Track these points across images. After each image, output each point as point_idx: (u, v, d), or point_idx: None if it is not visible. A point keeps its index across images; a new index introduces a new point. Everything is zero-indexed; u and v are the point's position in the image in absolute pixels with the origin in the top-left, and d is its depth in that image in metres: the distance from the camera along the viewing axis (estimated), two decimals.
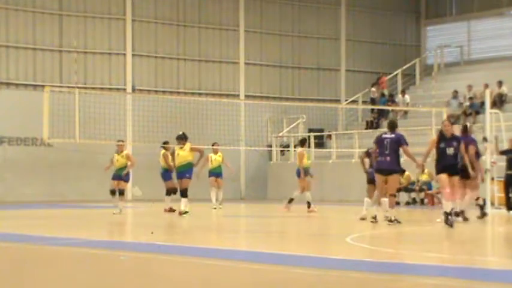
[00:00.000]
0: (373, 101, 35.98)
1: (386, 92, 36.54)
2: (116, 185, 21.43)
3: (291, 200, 22.32)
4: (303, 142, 23.44)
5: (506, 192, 21.27)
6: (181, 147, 20.33)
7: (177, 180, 20.87)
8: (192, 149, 20.52)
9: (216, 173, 24.43)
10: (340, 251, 11.69)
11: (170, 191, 22.30)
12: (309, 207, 21.92)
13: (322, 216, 20.79)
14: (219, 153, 24.63)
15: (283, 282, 8.78)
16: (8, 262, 10.68)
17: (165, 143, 22.76)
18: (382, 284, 8.64)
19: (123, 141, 22.50)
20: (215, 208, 23.85)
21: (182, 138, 20.53)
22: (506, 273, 9.60)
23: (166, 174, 22.41)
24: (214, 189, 24.46)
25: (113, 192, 21.58)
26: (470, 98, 32.24)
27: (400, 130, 30.13)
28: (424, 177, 28.48)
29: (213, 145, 24.67)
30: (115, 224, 17.67)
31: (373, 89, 36.57)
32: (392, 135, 16.74)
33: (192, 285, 8.65)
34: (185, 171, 20.25)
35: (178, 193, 20.92)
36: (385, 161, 16.57)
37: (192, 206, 21.96)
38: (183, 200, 20.11)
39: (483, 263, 10.76)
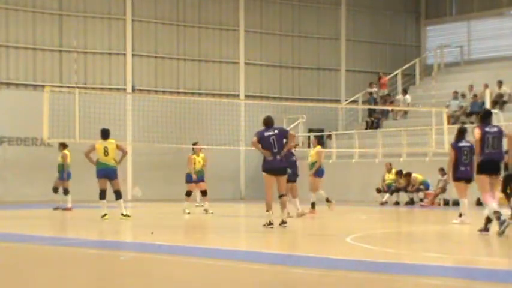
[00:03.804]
0: (372, 102, 35.95)
1: (385, 92, 36.54)
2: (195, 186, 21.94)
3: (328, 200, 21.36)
4: (320, 140, 23.07)
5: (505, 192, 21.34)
6: (109, 143, 19.11)
7: (102, 179, 19.12)
8: (118, 147, 19.24)
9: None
10: (340, 251, 11.69)
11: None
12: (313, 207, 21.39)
13: (322, 216, 20.78)
14: (201, 154, 23.32)
15: (283, 282, 8.78)
16: (8, 262, 10.68)
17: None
18: (382, 284, 8.64)
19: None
20: (197, 206, 23.97)
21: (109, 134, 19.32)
22: (506, 273, 9.61)
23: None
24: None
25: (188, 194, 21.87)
26: (475, 96, 32.16)
27: (401, 130, 30.51)
28: (391, 177, 28.60)
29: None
30: (115, 224, 17.66)
31: (375, 89, 36.52)
32: (276, 131, 15.95)
33: (192, 285, 8.65)
34: (116, 169, 19.14)
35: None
36: (276, 160, 15.83)
37: (191, 207, 21.99)
38: (121, 201, 19.05)
39: (483, 263, 10.76)
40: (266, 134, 15.87)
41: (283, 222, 15.91)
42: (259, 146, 15.80)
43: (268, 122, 16.09)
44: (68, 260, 10.94)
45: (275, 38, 37.18)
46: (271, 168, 15.81)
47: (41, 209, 24.17)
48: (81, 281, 8.85)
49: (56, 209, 23.33)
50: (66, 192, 23.41)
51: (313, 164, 21.27)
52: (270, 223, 15.82)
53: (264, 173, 15.95)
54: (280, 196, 16.10)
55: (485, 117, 14.83)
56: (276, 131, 15.93)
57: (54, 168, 24.08)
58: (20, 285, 8.54)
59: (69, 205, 23.24)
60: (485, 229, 14.34)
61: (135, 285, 8.56)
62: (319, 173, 21.24)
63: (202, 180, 22.25)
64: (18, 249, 12.39)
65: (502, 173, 15.66)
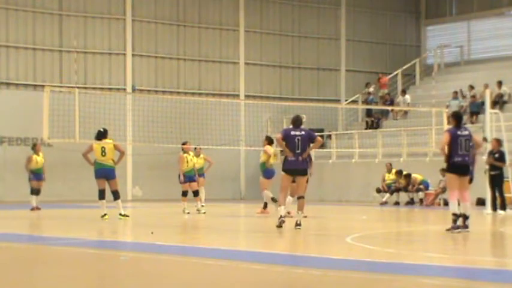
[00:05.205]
0: (370, 103, 35.95)
1: (386, 91, 36.54)
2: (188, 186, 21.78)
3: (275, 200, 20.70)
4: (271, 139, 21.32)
5: (493, 192, 21.59)
6: (106, 143, 19.03)
7: (100, 179, 19.14)
8: (115, 147, 19.17)
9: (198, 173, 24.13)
10: (340, 251, 11.68)
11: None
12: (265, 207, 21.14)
13: (322, 216, 20.78)
14: (201, 155, 23.27)
15: (283, 282, 8.78)
16: (8, 262, 10.68)
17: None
18: (382, 284, 8.64)
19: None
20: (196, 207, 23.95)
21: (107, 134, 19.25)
22: (506, 273, 9.61)
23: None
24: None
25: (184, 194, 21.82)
26: (473, 96, 32.18)
27: (401, 130, 30.54)
28: (391, 177, 28.60)
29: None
30: (114, 224, 17.67)
31: (371, 89, 36.52)
32: (303, 133, 15.58)
33: (192, 285, 8.64)
34: (114, 170, 19.09)
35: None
36: (298, 161, 15.53)
37: (191, 207, 21.99)
38: (119, 201, 19.03)
39: (483, 263, 10.76)
40: (292, 133, 15.56)
41: (297, 225, 15.44)
42: (284, 143, 15.56)
43: (296, 122, 15.76)
44: (68, 260, 10.93)
45: (275, 38, 37.19)
46: (291, 168, 15.58)
47: (41, 209, 24.15)
48: (81, 281, 8.85)
49: (33, 209, 23.34)
50: (39, 192, 23.87)
51: (263, 164, 20.81)
52: (281, 217, 15.73)
53: (283, 173, 15.74)
54: (299, 198, 15.79)
55: (458, 120, 15.09)
56: (303, 133, 15.55)
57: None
58: (19, 285, 8.53)
59: (35, 204, 23.63)
60: (464, 226, 14.90)
61: (135, 285, 8.56)
62: (267, 173, 20.73)
63: (194, 180, 22.06)
64: (19, 249, 12.39)
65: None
